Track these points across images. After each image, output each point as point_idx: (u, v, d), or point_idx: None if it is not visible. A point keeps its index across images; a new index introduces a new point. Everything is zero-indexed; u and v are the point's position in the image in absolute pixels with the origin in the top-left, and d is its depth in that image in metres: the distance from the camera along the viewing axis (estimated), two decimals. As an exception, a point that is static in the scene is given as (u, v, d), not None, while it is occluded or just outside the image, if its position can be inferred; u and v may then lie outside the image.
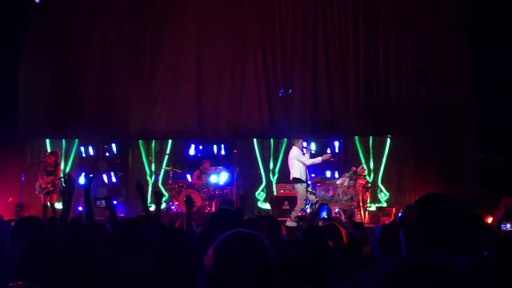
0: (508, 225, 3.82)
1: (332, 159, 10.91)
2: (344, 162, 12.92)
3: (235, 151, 13.28)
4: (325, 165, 11.03)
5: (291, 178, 10.52)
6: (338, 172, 12.45)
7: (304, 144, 10.75)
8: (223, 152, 13.27)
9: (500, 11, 11.71)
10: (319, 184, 11.73)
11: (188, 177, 12.98)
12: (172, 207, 12.27)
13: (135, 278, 3.42)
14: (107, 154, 13.73)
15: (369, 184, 12.18)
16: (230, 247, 2.00)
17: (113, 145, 13.70)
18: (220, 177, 12.46)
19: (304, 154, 10.48)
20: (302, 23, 13.69)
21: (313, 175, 11.47)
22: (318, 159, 10.43)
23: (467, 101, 12.75)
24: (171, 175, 12.83)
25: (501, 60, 11.73)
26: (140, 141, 13.87)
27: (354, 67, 13.37)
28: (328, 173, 12.51)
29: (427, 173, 12.35)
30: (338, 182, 11.32)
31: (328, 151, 12.22)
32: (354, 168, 11.52)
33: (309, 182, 10.51)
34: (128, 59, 13.98)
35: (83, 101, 13.87)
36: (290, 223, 9.85)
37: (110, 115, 13.87)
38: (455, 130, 12.68)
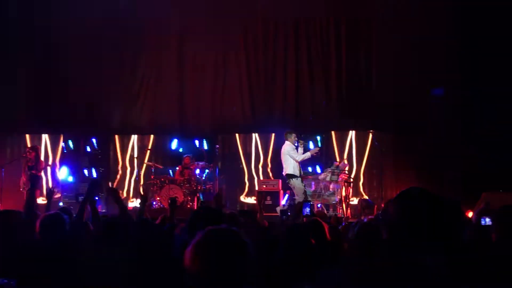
0: (487, 219, 3.86)
1: (319, 153, 10.99)
2: (326, 157, 12.95)
3: (217, 146, 13.25)
4: (307, 160, 11.05)
5: (284, 174, 10.53)
6: (320, 167, 12.47)
7: (300, 142, 10.76)
8: (205, 147, 13.18)
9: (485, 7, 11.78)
10: (301, 179, 11.78)
11: (170, 172, 12.92)
12: (154, 203, 12.19)
13: (116, 274, 3.39)
14: (88, 150, 13.62)
15: (351, 179, 12.22)
16: (210, 243, 2.02)
17: (94, 140, 13.59)
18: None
19: (297, 148, 10.48)
20: (284, 19, 13.72)
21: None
22: (307, 155, 10.47)
23: (449, 96, 12.87)
24: (153, 170, 12.77)
25: (484, 56, 11.88)
26: (117, 136, 13.87)
27: (336, 63, 13.44)
28: (309, 168, 12.52)
29: (408, 168, 12.42)
30: (320, 177, 11.36)
31: (311, 145, 12.26)
32: (336, 163, 11.57)
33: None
34: (110, 54, 13.86)
35: (63, 96, 13.71)
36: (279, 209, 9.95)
37: (92, 110, 13.74)
38: (437, 125, 12.78)
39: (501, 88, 11.69)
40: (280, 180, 12.06)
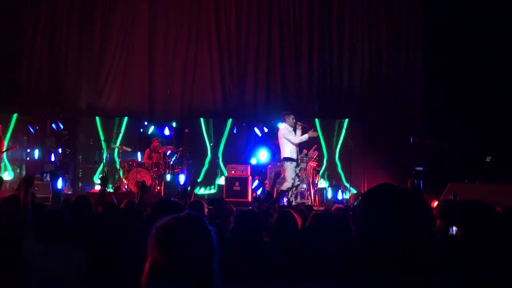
0: (454, 229, 3.85)
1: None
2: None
3: (186, 130, 13.09)
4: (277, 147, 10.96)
5: (281, 157, 10.29)
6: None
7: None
8: (174, 131, 13.00)
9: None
10: (270, 166, 11.78)
11: (139, 155, 12.77)
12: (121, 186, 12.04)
13: (65, 271, 3.31)
14: (55, 129, 13.32)
15: (320, 167, 12.30)
16: (173, 229, 1.96)
17: (61, 122, 13.28)
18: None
19: (295, 129, 10.21)
20: (257, 5, 13.64)
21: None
22: (305, 136, 10.18)
23: (417, 87, 13.07)
24: (121, 154, 12.59)
25: (451, 47, 12.07)
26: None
27: (308, 51, 13.50)
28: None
29: (376, 157, 12.50)
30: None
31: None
32: (305, 151, 11.57)
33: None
34: (79, 36, 13.59)
35: (30, 76, 13.43)
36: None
37: (60, 91, 13.47)
38: (405, 115, 12.94)
39: (464, 79, 11.97)
40: (249, 166, 12.01)
